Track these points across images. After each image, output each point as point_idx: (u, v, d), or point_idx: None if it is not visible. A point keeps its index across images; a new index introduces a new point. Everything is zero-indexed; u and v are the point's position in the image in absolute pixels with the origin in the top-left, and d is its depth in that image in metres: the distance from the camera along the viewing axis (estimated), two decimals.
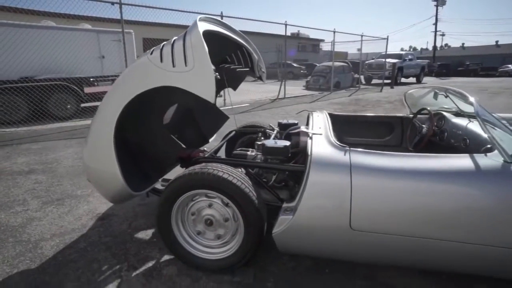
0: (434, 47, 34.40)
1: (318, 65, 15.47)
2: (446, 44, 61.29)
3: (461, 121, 2.15)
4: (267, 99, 10.11)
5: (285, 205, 1.64)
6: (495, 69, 28.30)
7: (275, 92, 10.83)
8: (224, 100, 8.75)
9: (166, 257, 1.89)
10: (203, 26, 1.65)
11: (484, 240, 1.37)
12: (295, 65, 22.84)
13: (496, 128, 1.57)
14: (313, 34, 30.38)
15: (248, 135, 2.96)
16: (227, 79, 2.90)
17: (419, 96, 2.69)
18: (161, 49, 1.56)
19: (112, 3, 5.98)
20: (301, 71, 22.00)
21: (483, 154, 1.47)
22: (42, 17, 8.81)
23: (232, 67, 2.89)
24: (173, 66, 1.49)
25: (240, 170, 1.85)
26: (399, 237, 1.45)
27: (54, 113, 6.34)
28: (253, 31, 18.67)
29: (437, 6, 33.09)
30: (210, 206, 1.73)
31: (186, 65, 1.47)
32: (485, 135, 1.73)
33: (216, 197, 1.70)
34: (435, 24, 33.43)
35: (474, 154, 1.48)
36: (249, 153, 2.12)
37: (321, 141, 1.69)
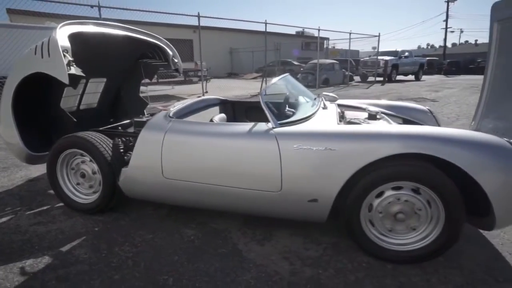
0: (445, 44, 33.55)
1: (309, 62, 15.78)
2: (466, 41, 59.25)
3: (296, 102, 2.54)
4: (248, 94, 10.60)
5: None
6: None
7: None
8: (203, 94, 9.34)
9: (60, 205, 2.47)
10: (67, 30, 2.20)
11: (253, 186, 1.83)
12: (295, 63, 23.14)
13: (281, 104, 2.04)
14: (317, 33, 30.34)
15: None
16: (144, 71, 3.47)
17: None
18: (36, 45, 2.13)
19: (91, 6, 6.68)
20: (301, 69, 22.28)
21: (265, 123, 1.93)
22: (48, 18, 9.69)
23: (148, 61, 3.45)
24: (42, 57, 2.06)
25: (116, 139, 2.42)
26: (197, 184, 1.94)
27: None
28: (251, 30, 19.05)
29: (448, 1, 32.25)
30: (83, 162, 2.29)
31: (49, 56, 2.03)
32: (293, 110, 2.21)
33: (86, 155, 2.25)
34: (446, 20, 32.62)
35: (259, 123, 1.94)
36: None
37: (162, 114, 2.21)
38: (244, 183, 1.83)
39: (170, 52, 3.39)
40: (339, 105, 2.87)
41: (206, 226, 2.17)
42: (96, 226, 2.15)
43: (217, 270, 1.70)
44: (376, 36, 14.62)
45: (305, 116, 2.01)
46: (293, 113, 2.13)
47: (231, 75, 22.99)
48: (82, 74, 2.17)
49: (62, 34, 2.08)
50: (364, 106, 2.74)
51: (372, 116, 2.37)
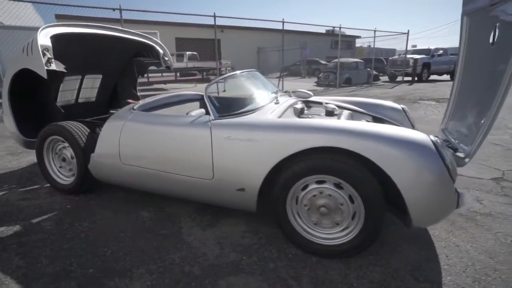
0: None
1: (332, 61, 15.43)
2: None
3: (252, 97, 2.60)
4: None
5: None
6: None
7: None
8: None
9: (47, 185, 2.81)
10: (50, 31, 2.50)
11: (190, 173, 1.97)
12: (322, 62, 22.78)
13: (233, 99, 2.15)
14: (348, 31, 29.48)
15: None
16: (137, 69, 3.76)
17: None
18: (24, 45, 2.47)
19: (113, 9, 7.26)
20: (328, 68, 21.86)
21: (208, 115, 2.06)
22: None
23: (141, 59, 3.74)
24: (27, 55, 2.38)
25: (97, 128, 2.70)
26: (147, 170, 2.12)
27: None
28: (276, 29, 19.09)
29: None
30: (64, 148, 2.60)
31: (32, 54, 2.35)
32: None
33: (66, 141, 2.55)
34: None
35: (203, 115, 2.07)
36: None
37: (128, 107, 2.43)
38: (183, 170, 1.98)
39: (161, 51, 3.64)
40: (309, 101, 2.90)
41: (162, 210, 2.35)
42: (69, 204, 2.44)
43: (153, 248, 1.87)
44: (405, 33, 13.86)
45: (247, 109, 2.09)
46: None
47: None
48: (63, 70, 2.46)
49: (44, 35, 2.39)
50: (328, 102, 2.74)
51: (329, 112, 2.38)
